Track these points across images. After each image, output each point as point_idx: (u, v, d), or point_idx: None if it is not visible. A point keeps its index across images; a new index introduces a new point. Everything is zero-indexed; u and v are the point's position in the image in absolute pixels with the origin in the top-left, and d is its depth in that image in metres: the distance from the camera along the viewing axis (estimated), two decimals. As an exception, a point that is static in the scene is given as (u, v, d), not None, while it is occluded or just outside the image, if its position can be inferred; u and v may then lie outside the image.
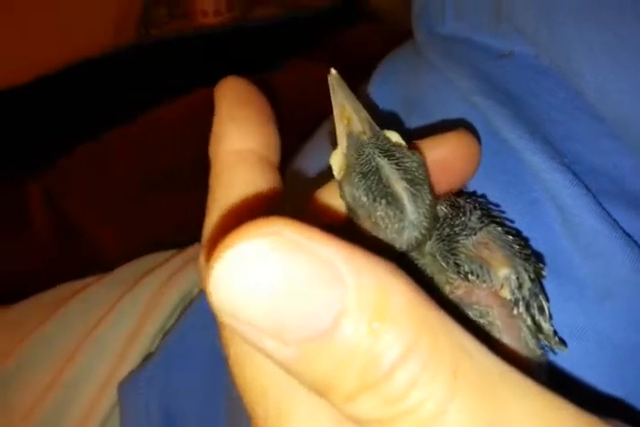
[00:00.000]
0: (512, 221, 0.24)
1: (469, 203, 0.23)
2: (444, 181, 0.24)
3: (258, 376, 0.18)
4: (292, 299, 0.14)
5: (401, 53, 0.39)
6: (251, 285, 0.14)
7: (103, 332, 0.42)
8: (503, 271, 0.21)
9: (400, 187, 0.21)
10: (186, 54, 0.75)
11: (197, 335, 0.38)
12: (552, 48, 0.29)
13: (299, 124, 0.62)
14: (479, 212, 0.23)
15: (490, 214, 0.23)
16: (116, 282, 0.47)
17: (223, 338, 0.20)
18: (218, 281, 0.14)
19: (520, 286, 0.21)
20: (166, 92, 0.66)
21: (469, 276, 0.21)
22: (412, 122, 0.33)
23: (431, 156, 0.24)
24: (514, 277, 0.21)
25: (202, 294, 0.41)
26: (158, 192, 0.59)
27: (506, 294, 0.21)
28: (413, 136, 0.29)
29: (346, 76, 0.72)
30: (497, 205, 0.25)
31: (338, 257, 0.15)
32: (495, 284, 0.21)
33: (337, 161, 0.22)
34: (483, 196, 0.25)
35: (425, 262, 0.22)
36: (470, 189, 0.27)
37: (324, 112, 0.60)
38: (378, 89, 0.36)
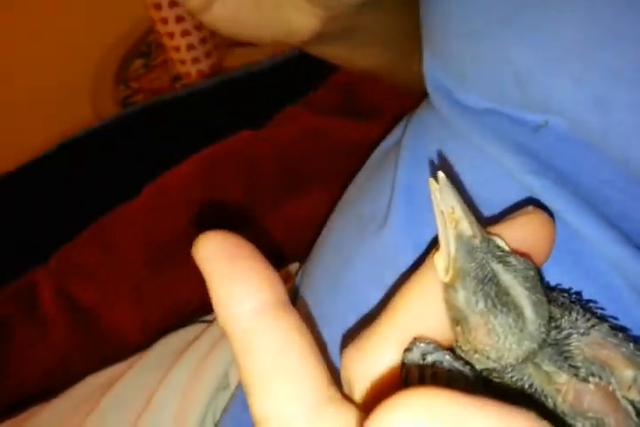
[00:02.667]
0: (615, 319, 0.24)
1: (567, 299, 0.23)
2: None
3: None
4: None
5: (424, 123, 0.37)
6: None
7: None
8: (628, 372, 0.21)
9: (523, 295, 0.21)
10: (173, 118, 0.74)
11: None
12: (604, 138, 0.28)
13: (316, 175, 0.62)
14: (581, 309, 0.23)
15: (593, 312, 0.23)
16: (146, 371, 0.46)
17: None
18: None
19: None
20: (161, 159, 0.64)
21: (590, 378, 0.21)
22: None
23: (508, 240, 0.23)
24: None
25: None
26: (170, 263, 0.58)
27: (634, 395, 0.21)
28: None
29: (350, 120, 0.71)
30: (594, 302, 0.25)
31: None
32: (621, 386, 0.21)
33: (442, 263, 0.22)
34: (578, 292, 0.25)
35: (529, 372, 0.21)
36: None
37: (337, 160, 0.60)
38: (411, 168, 0.36)
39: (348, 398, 0.22)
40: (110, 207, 0.62)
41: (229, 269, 0.21)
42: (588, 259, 0.28)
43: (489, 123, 0.32)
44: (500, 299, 0.21)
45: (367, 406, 0.21)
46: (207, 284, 0.21)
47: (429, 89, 0.36)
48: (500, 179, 0.31)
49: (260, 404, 0.20)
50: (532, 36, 0.30)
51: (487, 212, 0.31)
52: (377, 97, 0.69)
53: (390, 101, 0.65)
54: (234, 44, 1.10)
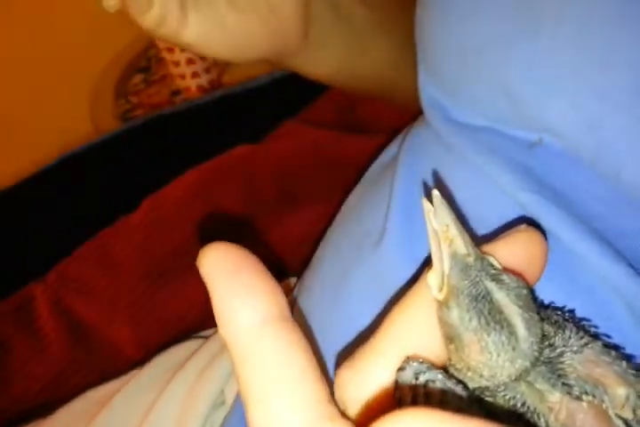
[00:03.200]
0: (609, 337, 0.24)
1: (561, 317, 0.23)
2: None
3: None
4: None
5: (420, 139, 0.38)
6: None
7: None
8: (621, 390, 0.21)
9: (516, 313, 0.21)
10: (172, 132, 0.74)
11: None
12: (597, 157, 0.29)
13: (314, 189, 0.62)
14: (574, 327, 0.23)
15: (586, 330, 0.23)
16: (142, 387, 0.46)
17: None
18: None
19: None
20: (160, 173, 0.65)
21: (584, 396, 0.21)
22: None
23: (501, 258, 0.23)
24: (633, 395, 0.21)
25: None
26: (168, 277, 0.58)
27: (627, 413, 0.21)
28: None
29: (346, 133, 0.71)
30: (587, 320, 0.25)
31: None
32: (614, 404, 0.21)
33: (435, 280, 0.22)
34: (571, 310, 0.25)
35: (521, 390, 0.22)
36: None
37: (334, 175, 0.61)
38: (407, 185, 0.36)
39: (345, 415, 0.22)
40: (109, 222, 0.62)
41: (233, 281, 0.21)
42: (581, 276, 0.28)
43: (483, 139, 0.33)
44: (493, 317, 0.21)
45: (361, 426, 0.21)
46: (210, 295, 0.21)
47: (424, 104, 0.37)
48: (494, 195, 0.31)
49: (259, 418, 0.20)
50: (525, 56, 0.30)
51: (481, 228, 0.31)
52: (375, 111, 0.70)
53: (389, 116, 0.66)
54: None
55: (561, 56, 0.29)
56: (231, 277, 0.21)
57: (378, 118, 0.68)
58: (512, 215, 0.30)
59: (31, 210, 0.67)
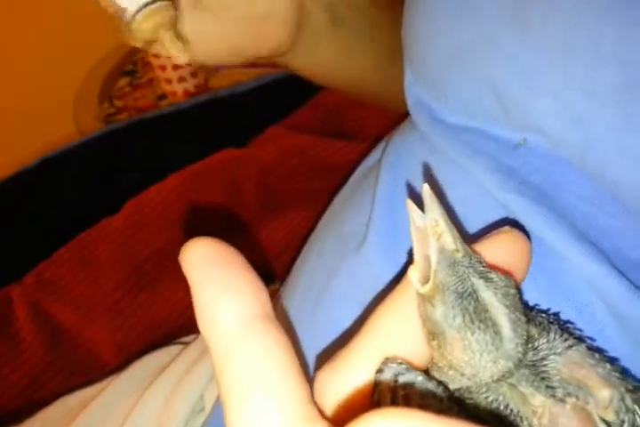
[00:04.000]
0: (593, 340, 0.24)
1: (545, 319, 0.23)
2: None
3: None
4: None
5: (405, 142, 0.37)
6: None
7: None
8: (605, 392, 0.21)
9: (502, 313, 0.20)
10: (157, 136, 0.73)
11: None
12: (583, 154, 0.28)
13: (297, 194, 0.62)
14: (559, 330, 0.22)
15: (570, 332, 0.23)
16: (120, 393, 0.45)
17: None
18: None
19: (626, 408, 0.20)
20: (144, 176, 0.64)
21: (567, 398, 0.20)
22: None
23: (485, 259, 0.23)
24: (617, 397, 0.21)
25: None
26: (148, 281, 0.57)
27: (610, 416, 0.20)
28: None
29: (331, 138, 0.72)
30: (570, 323, 0.24)
31: None
32: (598, 406, 0.20)
33: (418, 275, 0.21)
34: (556, 313, 0.25)
35: (504, 392, 0.21)
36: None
37: (318, 180, 0.60)
38: (390, 187, 0.36)
39: (325, 416, 0.22)
40: (90, 224, 0.62)
41: (217, 276, 0.20)
42: (564, 277, 0.28)
43: (468, 140, 0.32)
44: (478, 315, 0.20)
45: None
46: (192, 290, 0.20)
47: (410, 105, 0.36)
48: (478, 196, 0.31)
49: (236, 416, 0.20)
50: (512, 50, 0.30)
51: (465, 229, 0.30)
52: (363, 118, 0.70)
53: (376, 122, 0.66)
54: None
55: (548, 50, 0.29)
56: (215, 272, 0.20)
57: (365, 125, 0.68)
58: (496, 216, 0.30)
59: (11, 210, 0.66)
